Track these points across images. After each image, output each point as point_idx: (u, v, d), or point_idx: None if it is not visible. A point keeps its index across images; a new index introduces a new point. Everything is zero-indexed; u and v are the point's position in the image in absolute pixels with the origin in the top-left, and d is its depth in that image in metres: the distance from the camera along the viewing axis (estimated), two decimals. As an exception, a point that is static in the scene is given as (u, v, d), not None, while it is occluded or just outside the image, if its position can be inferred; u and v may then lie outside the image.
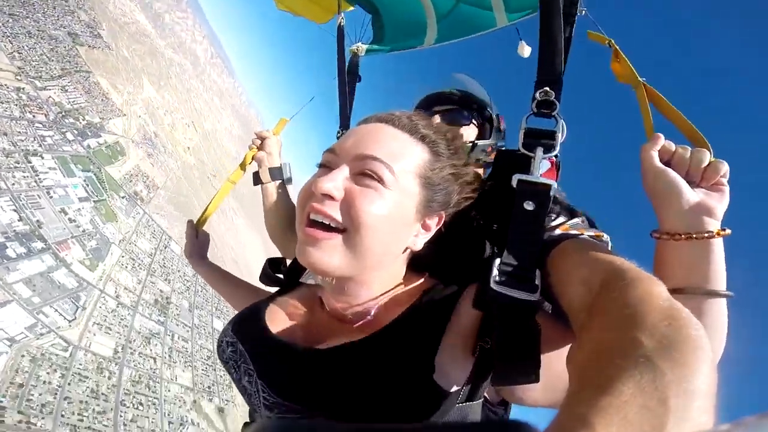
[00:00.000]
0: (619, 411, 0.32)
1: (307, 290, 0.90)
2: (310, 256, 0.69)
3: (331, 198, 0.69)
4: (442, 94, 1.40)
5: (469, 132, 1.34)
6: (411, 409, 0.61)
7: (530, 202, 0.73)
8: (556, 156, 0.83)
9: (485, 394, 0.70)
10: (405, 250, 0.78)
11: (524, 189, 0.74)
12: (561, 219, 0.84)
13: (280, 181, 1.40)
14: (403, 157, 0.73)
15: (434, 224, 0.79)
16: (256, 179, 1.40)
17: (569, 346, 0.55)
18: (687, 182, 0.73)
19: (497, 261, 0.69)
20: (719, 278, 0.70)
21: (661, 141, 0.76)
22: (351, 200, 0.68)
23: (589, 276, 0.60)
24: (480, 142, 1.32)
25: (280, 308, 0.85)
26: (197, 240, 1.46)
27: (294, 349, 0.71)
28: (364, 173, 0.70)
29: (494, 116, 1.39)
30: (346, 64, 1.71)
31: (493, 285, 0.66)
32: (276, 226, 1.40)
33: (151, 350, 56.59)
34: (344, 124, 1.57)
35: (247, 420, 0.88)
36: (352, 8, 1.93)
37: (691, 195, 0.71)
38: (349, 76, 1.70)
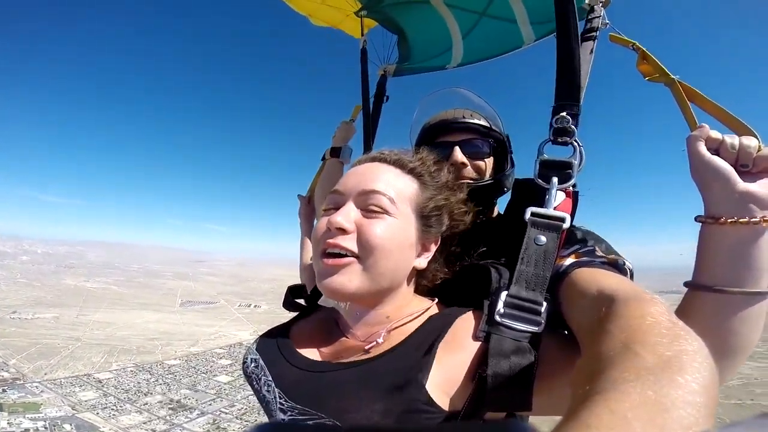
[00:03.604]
0: (622, 419, 0.33)
1: (325, 313, 0.96)
2: (330, 282, 0.75)
3: (344, 231, 0.76)
4: (452, 122, 1.17)
5: (488, 165, 1.16)
6: (408, 424, 0.64)
7: (542, 237, 0.74)
8: (573, 186, 0.79)
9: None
10: (412, 272, 0.84)
11: (537, 222, 0.76)
12: (575, 247, 0.81)
13: (337, 159, 1.64)
14: (397, 188, 0.81)
15: (432, 244, 0.86)
16: (325, 154, 1.68)
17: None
18: (735, 170, 0.71)
19: (503, 294, 0.72)
20: (763, 271, 0.68)
21: (707, 129, 0.74)
22: (362, 230, 0.76)
23: (596, 301, 0.62)
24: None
25: (299, 329, 0.92)
26: (309, 206, 1.68)
27: (308, 361, 0.79)
28: (369, 207, 0.78)
29: (506, 138, 1.20)
30: (375, 84, 1.81)
31: (497, 317, 0.69)
32: (318, 192, 1.62)
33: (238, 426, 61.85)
34: (367, 144, 1.66)
35: None
36: (375, 25, 1.92)
37: (739, 182, 0.70)
38: (376, 96, 1.78)
